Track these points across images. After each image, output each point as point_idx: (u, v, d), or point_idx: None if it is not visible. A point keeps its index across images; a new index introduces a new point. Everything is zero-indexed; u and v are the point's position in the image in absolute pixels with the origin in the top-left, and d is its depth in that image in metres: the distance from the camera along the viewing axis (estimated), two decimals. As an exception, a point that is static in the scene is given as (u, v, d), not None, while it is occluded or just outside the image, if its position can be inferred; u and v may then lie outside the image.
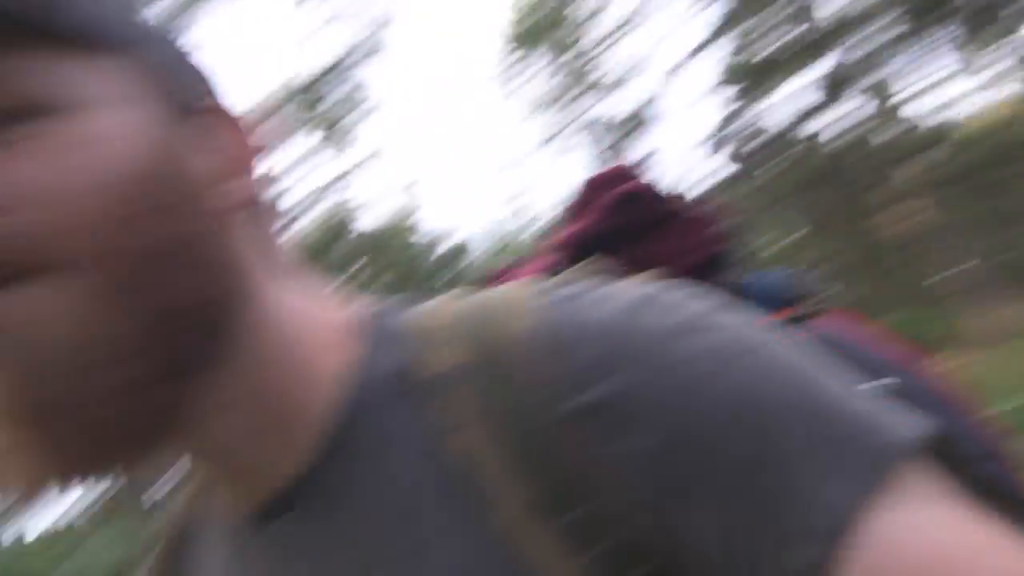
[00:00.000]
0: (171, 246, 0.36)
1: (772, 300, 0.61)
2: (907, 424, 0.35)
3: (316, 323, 0.43)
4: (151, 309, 0.35)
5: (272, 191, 0.45)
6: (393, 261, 19.37)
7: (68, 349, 0.33)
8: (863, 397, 0.36)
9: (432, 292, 0.49)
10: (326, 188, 16.62)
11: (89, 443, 0.35)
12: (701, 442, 0.34)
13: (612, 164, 0.73)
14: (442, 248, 21.75)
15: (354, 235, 18.19)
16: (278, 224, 0.46)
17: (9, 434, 0.34)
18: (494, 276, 0.71)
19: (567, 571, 0.36)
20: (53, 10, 0.36)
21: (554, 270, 0.60)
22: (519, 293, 0.41)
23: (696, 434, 0.34)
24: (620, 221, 0.65)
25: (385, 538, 0.39)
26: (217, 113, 0.42)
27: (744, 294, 0.63)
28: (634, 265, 0.60)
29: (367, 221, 18.95)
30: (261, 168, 0.43)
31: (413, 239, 20.87)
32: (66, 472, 0.35)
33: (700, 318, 0.37)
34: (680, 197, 0.70)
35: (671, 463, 0.35)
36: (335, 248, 17.23)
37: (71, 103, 0.36)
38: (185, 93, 0.41)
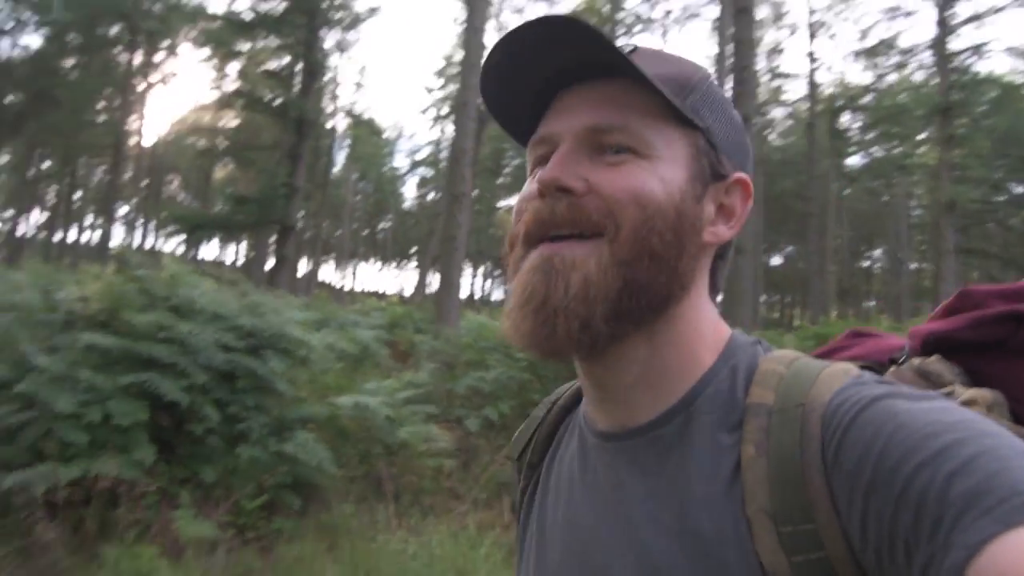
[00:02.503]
0: (665, 252, 0.60)
1: None
2: None
3: (706, 333, 0.65)
4: (629, 281, 0.59)
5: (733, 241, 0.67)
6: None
7: (580, 284, 0.58)
8: None
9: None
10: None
11: (552, 333, 0.59)
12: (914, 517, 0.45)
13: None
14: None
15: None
16: (725, 264, 0.69)
17: (517, 307, 0.60)
18: (855, 334, 0.86)
19: (778, 566, 0.52)
20: (682, 99, 0.62)
21: (898, 354, 0.76)
22: (840, 372, 0.57)
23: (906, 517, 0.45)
24: (994, 334, 0.70)
25: (680, 482, 0.59)
26: (738, 181, 0.66)
27: None
28: (978, 376, 0.71)
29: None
30: (741, 223, 0.66)
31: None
32: (530, 343, 0.60)
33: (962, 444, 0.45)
34: None
35: (876, 511, 0.47)
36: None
37: (653, 153, 0.61)
38: (720, 165, 0.65)
